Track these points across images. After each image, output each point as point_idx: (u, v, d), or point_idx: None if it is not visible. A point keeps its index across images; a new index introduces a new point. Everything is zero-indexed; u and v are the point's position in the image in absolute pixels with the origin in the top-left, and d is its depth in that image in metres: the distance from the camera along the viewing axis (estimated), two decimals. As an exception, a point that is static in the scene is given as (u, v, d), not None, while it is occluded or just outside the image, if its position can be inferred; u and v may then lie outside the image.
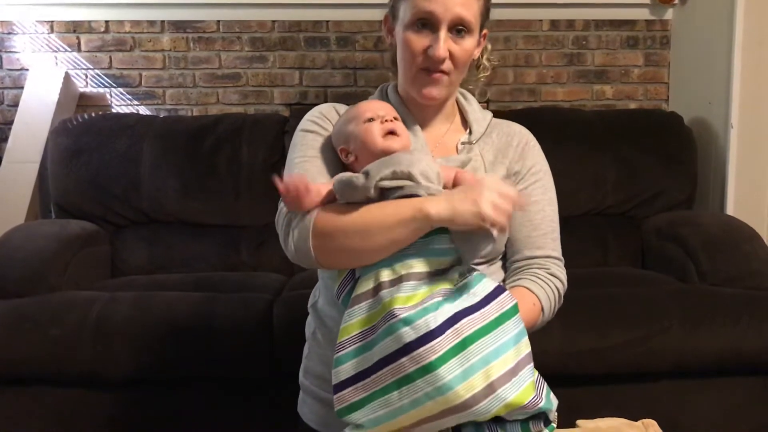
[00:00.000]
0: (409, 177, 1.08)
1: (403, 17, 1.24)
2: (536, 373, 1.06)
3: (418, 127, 1.30)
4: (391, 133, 1.16)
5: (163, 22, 2.98)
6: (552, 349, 1.90)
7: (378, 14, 3.19)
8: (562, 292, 1.28)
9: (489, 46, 1.38)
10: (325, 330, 1.30)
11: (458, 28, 1.21)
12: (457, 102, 1.37)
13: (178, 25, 2.99)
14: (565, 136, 2.60)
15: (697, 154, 2.69)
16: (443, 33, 1.20)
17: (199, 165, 2.57)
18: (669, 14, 3.07)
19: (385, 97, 1.34)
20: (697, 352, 1.95)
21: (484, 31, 1.31)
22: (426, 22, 1.21)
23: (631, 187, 2.61)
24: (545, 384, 1.06)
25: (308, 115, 1.31)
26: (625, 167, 2.60)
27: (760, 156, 2.61)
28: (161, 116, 2.87)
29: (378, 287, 1.04)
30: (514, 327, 1.04)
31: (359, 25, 3.01)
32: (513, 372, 0.99)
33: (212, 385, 1.99)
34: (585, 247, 2.55)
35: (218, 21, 2.99)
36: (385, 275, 1.05)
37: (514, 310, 1.05)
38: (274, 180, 1.10)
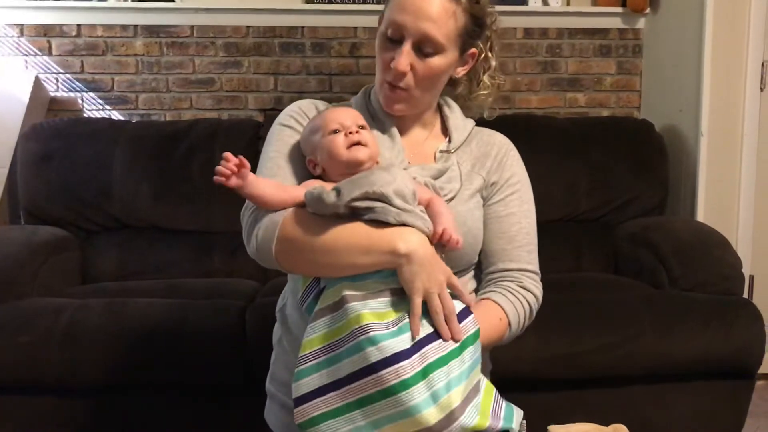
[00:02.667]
0: (382, 198, 1.06)
1: (381, 25, 1.24)
2: (494, 390, 1.07)
3: (396, 132, 1.28)
4: (357, 143, 1.14)
5: (136, 26, 2.95)
6: (525, 354, 1.90)
7: (353, 21, 3.19)
8: (534, 306, 1.26)
9: (494, 63, 1.33)
10: (290, 337, 1.28)
11: (425, 46, 1.19)
12: (440, 109, 1.35)
13: (152, 30, 2.96)
14: (538, 143, 2.62)
15: (669, 161, 2.72)
16: (406, 47, 1.18)
17: (172, 170, 2.55)
18: (641, 23, 3.11)
19: (367, 100, 1.32)
20: (668, 357, 1.97)
21: (472, 50, 1.28)
22: (396, 34, 1.19)
23: (603, 193, 2.63)
24: (503, 402, 1.07)
25: (287, 109, 1.30)
26: (598, 174, 2.63)
27: (729, 163, 2.66)
28: (133, 121, 2.84)
29: (343, 300, 1.02)
30: (474, 353, 1.04)
31: (335, 31, 3.01)
32: (469, 398, 1.00)
33: (184, 392, 1.97)
34: (559, 252, 2.57)
35: (192, 26, 2.97)
36: (353, 289, 1.03)
37: (476, 336, 1.06)
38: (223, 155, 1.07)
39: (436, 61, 1.21)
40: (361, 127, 1.17)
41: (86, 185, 2.51)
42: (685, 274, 2.17)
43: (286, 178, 1.20)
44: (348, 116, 1.18)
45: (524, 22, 3.08)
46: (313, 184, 1.13)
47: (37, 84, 2.87)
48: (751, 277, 2.66)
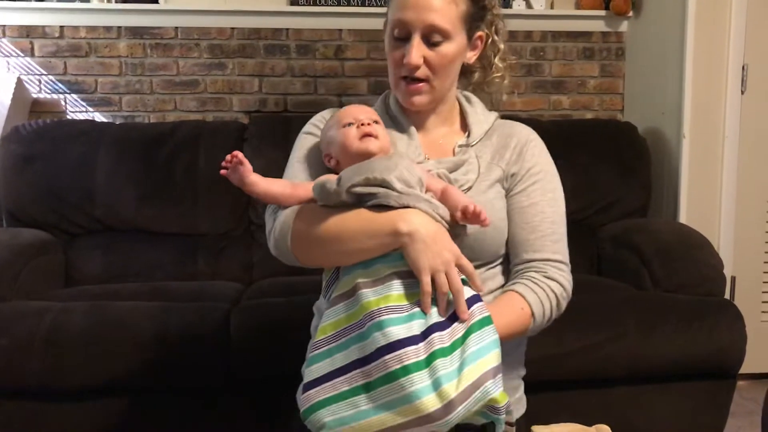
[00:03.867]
0: (383, 183, 1.08)
1: (387, 26, 1.28)
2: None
3: (414, 131, 1.30)
4: (368, 135, 1.17)
5: (119, 27, 2.94)
6: (510, 355, 1.91)
7: (338, 23, 3.19)
8: (561, 296, 1.24)
9: (502, 46, 1.37)
10: None
11: (433, 35, 1.22)
12: (460, 104, 1.37)
13: (135, 31, 2.95)
14: (522, 145, 2.63)
15: (651, 163, 2.74)
16: (416, 40, 1.21)
17: (156, 172, 2.54)
18: (624, 26, 3.14)
19: (386, 103, 1.36)
20: (650, 358, 1.98)
21: (479, 33, 1.30)
22: (403, 32, 1.23)
23: (586, 195, 2.65)
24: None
25: (312, 119, 1.35)
26: (581, 176, 2.64)
27: (711, 165, 2.68)
28: (117, 123, 2.83)
29: (355, 288, 1.04)
30: (482, 339, 1.02)
31: (320, 33, 3.01)
32: (475, 385, 0.98)
33: (169, 395, 1.95)
34: (542, 254, 2.58)
35: (176, 27, 2.96)
36: (365, 276, 1.05)
37: (482, 323, 1.03)
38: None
39: (446, 48, 1.23)
40: (375, 121, 1.20)
41: (69, 187, 2.50)
42: (668, 275, 2.19)
43: (305, 180, 1.24)
44: (362, 111, 1.22)
45: (508, 24, 2.97)
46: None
47: (20, 85, 2.85)
48: (733, 278, 2.68)
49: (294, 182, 1.22)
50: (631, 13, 3.07)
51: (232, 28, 2.98)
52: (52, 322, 1.90)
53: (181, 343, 1.90)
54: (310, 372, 1.03)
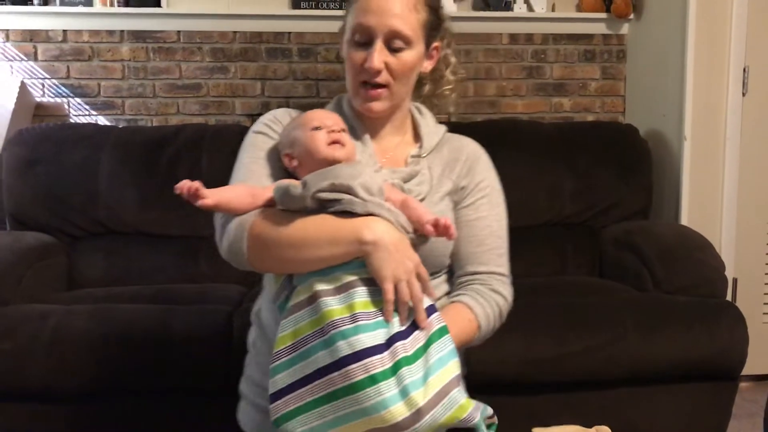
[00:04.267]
0: (348, 190, 1.07)
1: (346, 32, 1.27)
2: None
3: (368, 138, 1.30)
4: (336, 142, 1.17)
5: (122, 31, 2.95)
6: (511, 357, 1.92)
7: (340, 26, 3.21)
8: (504, 308, 1.28)
9: (454, 60, 1.38)
10: (264, 339, 1.29)
11: (395, 41, 1.22)
12: (412, 115, 1.37)
13: (138, 35, 2.96)
14: (524, 147, 2.64)
15: (653, 165, 2.74)
16: (378, 45, 1.22)
17: (159, 175, 2.55)
18: (625, 29, 3.14)
19: (340, 107, 1.35)
20: (652, 359, 1.98)
21: (435, 44, 1.32)
22: (364, 37, 1.23)
23: (588, 197, 2.65)
24: (480, 407, 1.06)
25: (262, 118, 1.32)
26: (583, 178, 2.65)
27: (712, 167, 2.68)
28: (120, 126, 2.84)
29: (315, 296, 1.03)
30: (441, 349, 1.04)
31: (321, 36, 3.02)
32: (441, 394, 1.00)
33: (171, 398, 1.96)
34: (543, 256, 2.59)
35: (179, 31, 2.98)
36: (323, 284, 1.04)
37: (441, 332, 1.06)
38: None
39: (407, 55, 1.24)
40: (342, 129, 1.20)
41: (72, 191, 2.50)
42: (669, 277, 2.19)
43: (259, 181, 1.22)
44: (329, 117, 1.21)
45: (509, 27, 3.10)
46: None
47: (23, 89, 2.86)
48: (735, 280, 2.68)
49: (252, 190, 1.17)
50: (632, 16, 3.07)
51: (235, 32, 3.00)
52: (56, 325, 1.90)
53: (183, 346, 1.91)
54: (274, 383, 1.02)
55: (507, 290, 1.29)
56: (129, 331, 1.92)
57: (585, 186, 2.65)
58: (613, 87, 3.19)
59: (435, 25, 1.30)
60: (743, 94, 2.67)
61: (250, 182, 1.21)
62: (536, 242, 2.58)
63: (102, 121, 2.97)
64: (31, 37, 2.92)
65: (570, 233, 2.65)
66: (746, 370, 2.11)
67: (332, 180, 1.07)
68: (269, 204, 1.14)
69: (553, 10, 3.14)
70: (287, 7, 3.00)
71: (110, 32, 2.95)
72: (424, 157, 1.31)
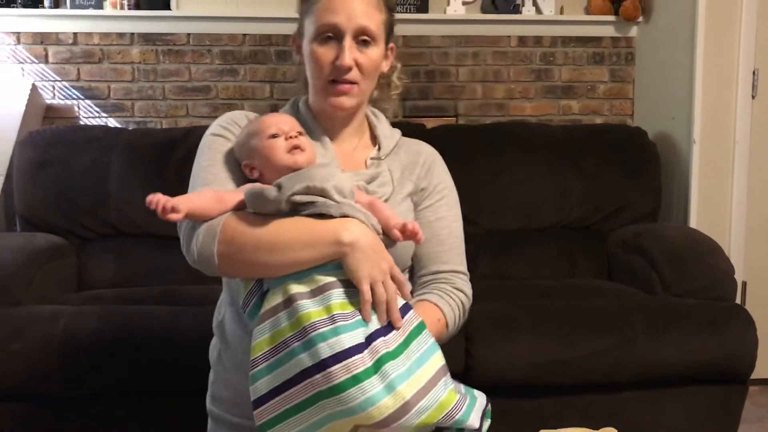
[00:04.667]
0: (323, 192, 1.07)
1: (308, 32, 1.26)
2: (460, 385, 1.07)
3: (328, 140, 1.29)
4: (296, 147, 1.15)
5: (132, 34, 2.97)
6: (520, 360, 1.92)
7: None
8: (467, 305, 1.30)
9: (399, 65, 1.39)
10: (229, 352, 1.27)
11: (363, 38, 1.23)
12: (367, 119, 1.37)
13: (148, 38, 2.98)
14: (532, 150, 2.64)
15: (661, 168, 2.74)
16: (348, 42, 1.21)
17: (168, 177, 2.55)
18: (633, 31, 3.14)
19: (296, 110, 1.34)
20: (660, 362, 1.98)
21: (391, 45, 1.32)
22: (331, 34, 1.22)
23: (596, 200, 2.65)
24: (467, 398, 1.06)
25: (218, 120, 1.30)
26: (591, 181, 2.64)
27: (721, 170, 2.68)
28: (130, 128, 2.85)
29: (291, 299, 1.02)
30: (423, 344, 1.06)
31: (330, 39, 3.02)
32: (427, 388, 1.01)
33: (180, 399, 1.96)
34: (552, 259, 2.59)
35: (188, 34, 2.99)
36: (298, 287, 1.04)
37: (419, 328, 1.07)
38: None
39: (374, 52, 1.25)
40: (300, 133, 1.18)
41: (82, 192, 2.52)
42: (678, 280, 2.19)
43: (222, 185, 1.19)
44: (285, 122, 1.19)
45: (518, 30, 3.10)
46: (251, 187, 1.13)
47: (34, 92, 2.88)
48: (744, 283, 2.67)
49: (218, 194, 1.14)
50: (640, 18, 3.07)
51: (244, 35, 3.01)
52: (66, 326, 1.92)
53: (191, 347, 1.91)
54: (255, 389, 1.01)
55: (468, 288, 1.31)
56: (138, 332, 1.93)
57: (593, 189, 2.64)
58: (621, 90, 3.19)
59: (392, 24, 1.31)
60: (753, 97, 2.66)
61: (213, 186, 1.18)
62: (544, 245, 2.58)
63: (112, 123, 2.99)
64: (42, 39, 2.94)
65: (578, 236, 2.65)
66: (756, 374, 2.10)
67: (307, 183, 1.07)
68: (237, 208, 1.12)
69: (561, 12, 3.15)
70: (296, 11, 3.00)
71: (120, 35, 2.97)
72: (383, 159, 1.32)
